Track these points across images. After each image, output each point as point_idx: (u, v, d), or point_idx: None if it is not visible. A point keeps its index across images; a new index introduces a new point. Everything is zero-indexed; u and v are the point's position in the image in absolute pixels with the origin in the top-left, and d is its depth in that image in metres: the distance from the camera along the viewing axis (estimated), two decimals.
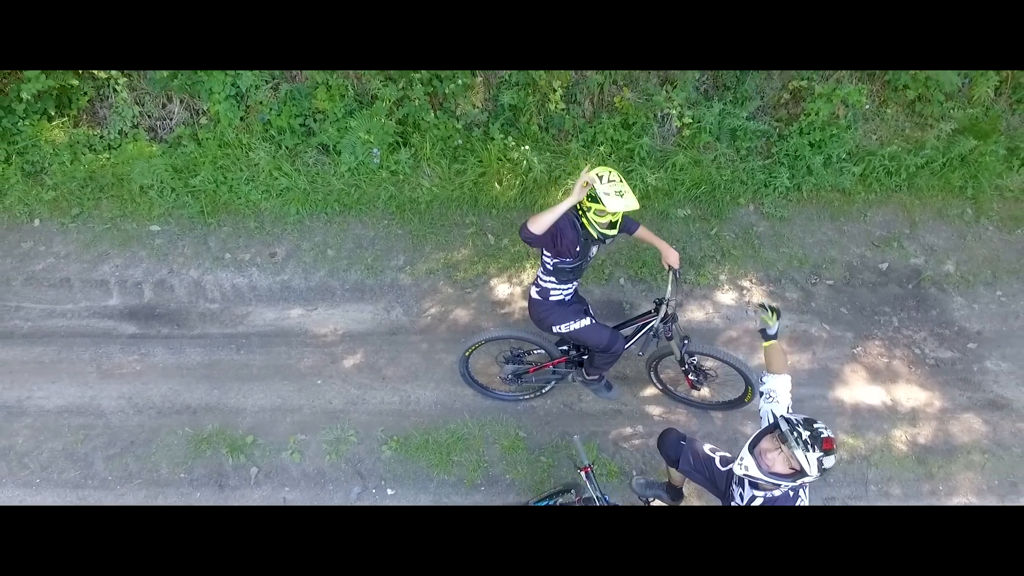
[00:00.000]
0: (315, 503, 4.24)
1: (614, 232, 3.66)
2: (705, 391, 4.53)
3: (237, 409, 4.62)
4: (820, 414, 4.68)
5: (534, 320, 4.07)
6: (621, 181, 3.47)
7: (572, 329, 3.98)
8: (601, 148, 5.72)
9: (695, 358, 4.24)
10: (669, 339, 4.11)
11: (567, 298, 3.96)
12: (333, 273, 5.35)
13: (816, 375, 4.88)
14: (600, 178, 3.42)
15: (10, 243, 5.43)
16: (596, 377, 4.55)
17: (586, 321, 3.99)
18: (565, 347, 4.34)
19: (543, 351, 4.34)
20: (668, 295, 3.97)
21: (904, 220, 5.76)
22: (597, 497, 3.34)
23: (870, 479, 4.44)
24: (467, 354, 4.36)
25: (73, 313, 5.09)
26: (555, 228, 3.49)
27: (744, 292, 5.32)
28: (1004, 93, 6.11)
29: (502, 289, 5.27)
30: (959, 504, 4.30)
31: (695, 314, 5.19)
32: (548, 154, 5.80)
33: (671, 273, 3.91)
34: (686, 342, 4.11)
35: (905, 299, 5.33)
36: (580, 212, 3.63)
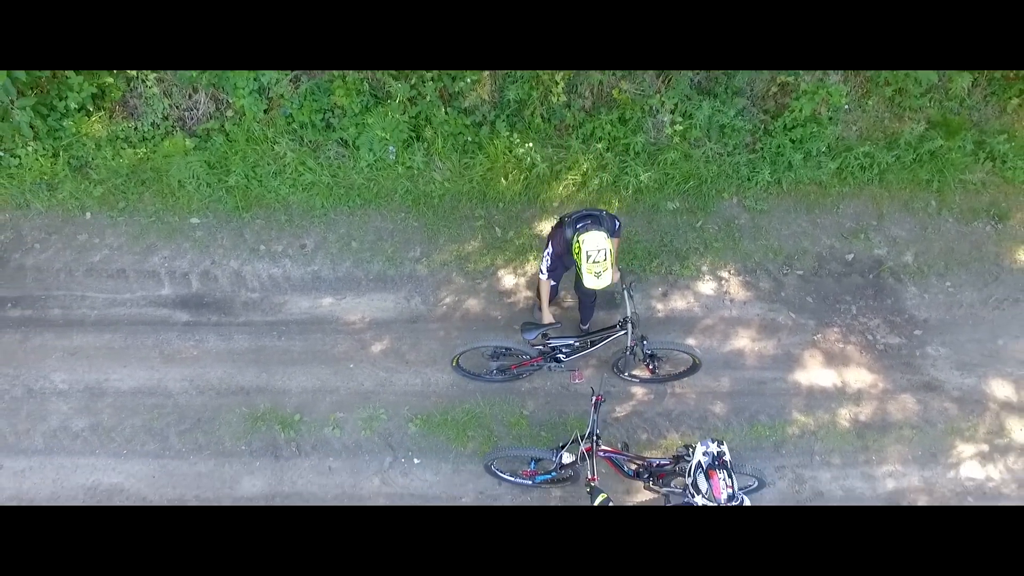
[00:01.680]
0: (354, 472, 5.15)
1: (596, 288, 4.51)
2: (665, 369, 5.32)
3: (283, 390, 5.44)
4: (778, 396, 5.51)
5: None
6: (605, 259, 4.27)
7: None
8: (599, 145, 6.21)
9: (651, 351, 4.96)
10: (635, 345, 4.87)
11: (553, 285, 5.02)
12: (358, 264, 6.02)
13: (779, 360, 5.67)
14: (588, 256, 4.28)
15: (67, 235, 6.05)
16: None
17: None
18: (540, 347, 5.06)
19: (521, 352, 5.10)
20: (630, 311, 4.76)
21: (873, 212, 6.34)
22: (593, 422, 4.32)
23: (816, 451, 5.33)
24: (454, 363, 5.24)
25: (132, 302, 5.81)
26: (553, 248, 4.63)
27: (723, 283, 6.01)
28: (980, 86, 6.51)
29: (508, 280, 5.95)
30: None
31: (677, 303, 5.90)
32: (550, 148, 6.30)
33: (625, 291, 4.75)
34: (644, 342, 4.87)
35: (865, 288, 6.03)
36: (575, 256, 4.48)
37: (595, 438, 4.34)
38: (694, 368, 5.23)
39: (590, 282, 4.38)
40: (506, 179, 6.20)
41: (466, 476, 5.16)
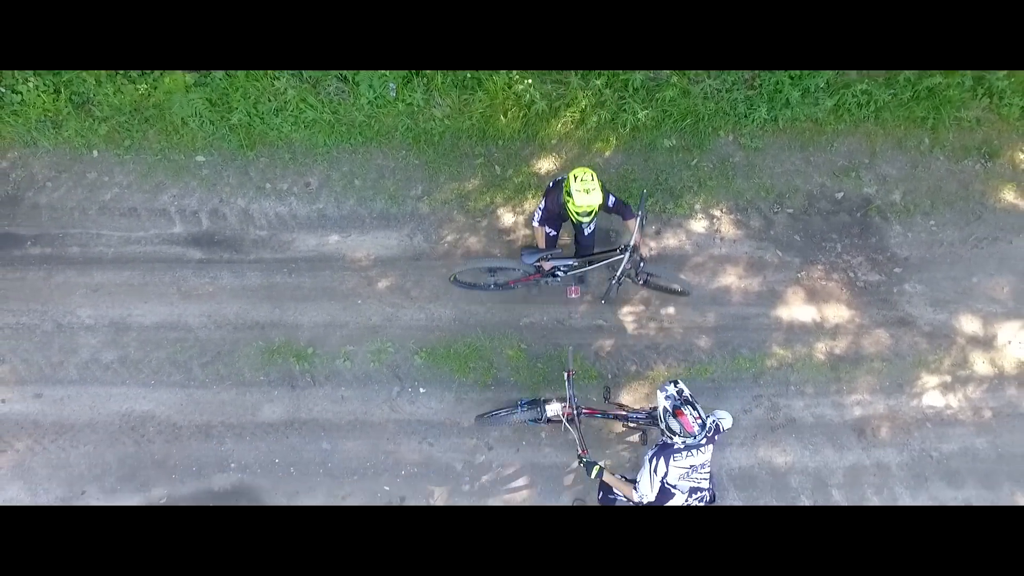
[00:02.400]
0: (365, 400, 5.61)
1: (588, 220, 4.85)
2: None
3: (296, 325, 5.80)
4: (760, 330, 5.88)
5: None
6: (593, 180, 4.55)
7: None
8: (598, 81, 6.23)
9: (646, 276, 5.42)
10: (637, 270, 5.23)
11: (551, 234, 5.34)
12: (361, 202, 6.21)
13: (763, 296, 5.99)
14: (576, 178, 4.57)
15: (77, 173, 6.21)
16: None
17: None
18: (537, 266, 5.33)
19: (519, 271, 5.46)
20: (635, 239, 5.05)
21: (866, 150, 6.44)
22: (571, 397, 4.68)
23: (791, 381, 5.76)
24: (452, 278, 5.57)
25: (146, 240, 6.06)
26: (546, 204, 4.89)
27: (714, 221, 6.22)
28: None
29: (507, 219, 6.16)
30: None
31: (669, 241, 6.15)
32: (549, 85, 6.32)
33: (639, 217, 5.00)
34: (642, 264, 5.22)
35: (851, 227, 6.25)
36: (566, 196, 4.73)
37: (576, 407, 4.69)
38: (681, 294, 5.66)
39: (581, 199, 4.68)
40: (505, 116, 6.27)
41: (468, 404, 5.62)
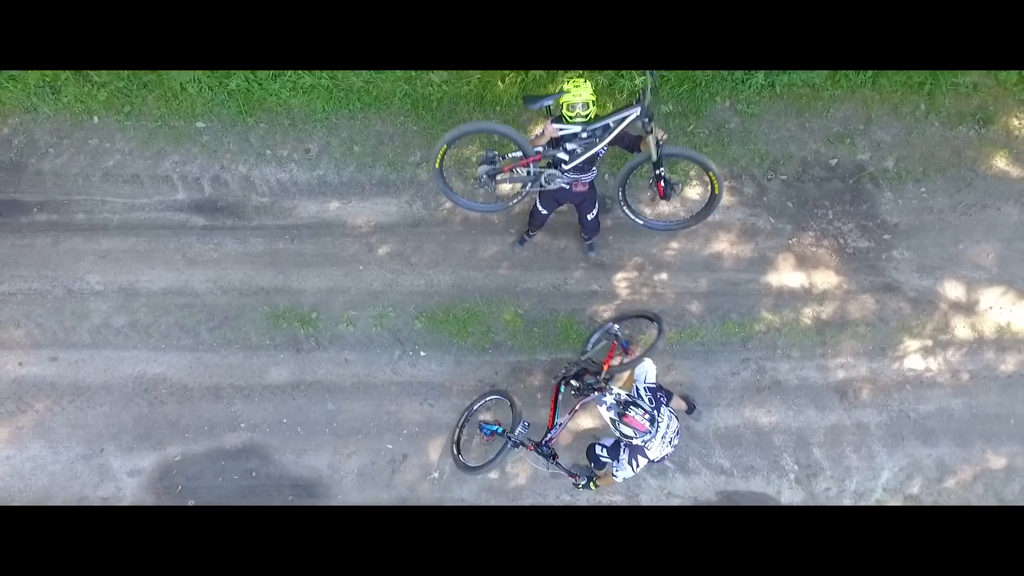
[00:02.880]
0: (368, 363, 5.83)
1: (585, 117, 4.71)
2: (671, 207, 5.68)
3: (299, 290, 5.98)
4: (750, 296, 6.06)
5: None
6: (584, 82, 4.64)
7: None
8: None
9: (663, 169, 4.84)
10: (649, 132, 4.66)
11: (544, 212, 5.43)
12: (361, 168, 6.29)
13: (754, 263, 6.14)
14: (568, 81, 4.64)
15: (78, 140, 6.26)
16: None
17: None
18: (540, 149, 4.89)
19: (519, 149, 4.85)
20: (647, 100, 4.58)
21: (862, 116, 6.48)
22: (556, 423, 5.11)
23: (778, 345, 5.98)
24: (440, 158, 4.85)
25: (150, 207, 6.17)
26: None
27: (708, 187, 6.30)
28: None
29: (504, 187, 6.24)
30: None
31: (664, 207, 6.23)
32: None
33: (649, 87, 4.58)
34: (660, 144, 4.72)
35: (844, 194, 6.35)
36: (559, 102, 4.75)
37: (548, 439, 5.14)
38: (712, 203, 5.04)
39: (575, 93, 4.64)
40: (503, 82, 6.28)
41: (467, 367, 5.85)
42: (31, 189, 6.15)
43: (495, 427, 5.31)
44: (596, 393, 4.93)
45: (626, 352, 5.42)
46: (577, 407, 5.27)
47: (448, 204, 6.21)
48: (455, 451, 5.40)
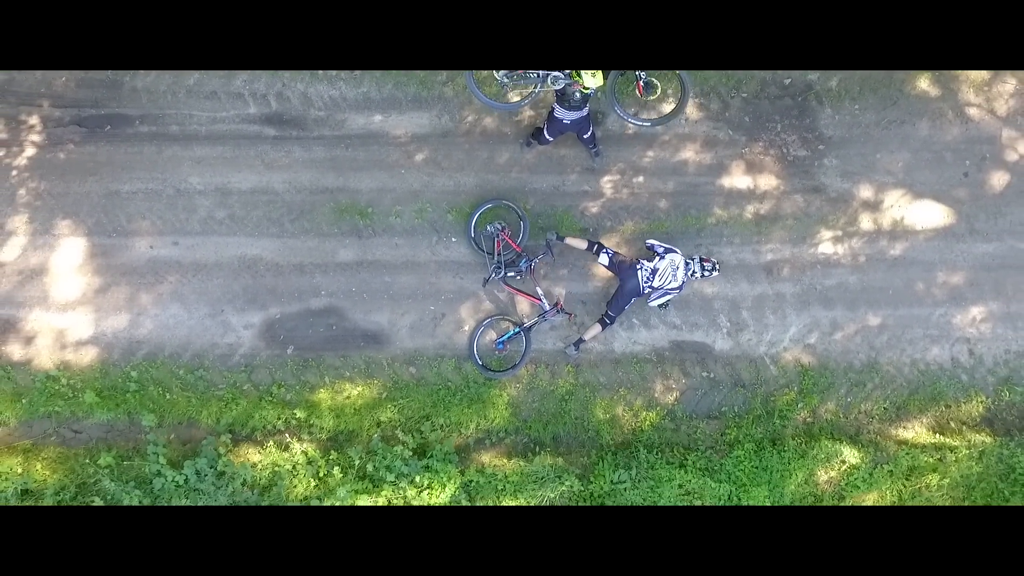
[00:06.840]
0: (413, 247, 7.69)
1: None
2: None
3: (356, 190, 7.67)
4: (706, 196, 7.79)
5: None
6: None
7: None
8: None
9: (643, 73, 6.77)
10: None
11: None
12: (398, 87, 7.65)
13: (712, 168, 7.78)
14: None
15: None
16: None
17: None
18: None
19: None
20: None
21: None
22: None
23: (724, 234, 7.82)
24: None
25: (229, 119, 7.63)
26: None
27: (678, 96, 7.74)
28: None
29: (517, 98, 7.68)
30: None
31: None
32: None
33: None
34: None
35: (792, 109, 7.81)
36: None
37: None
38: (680, 105, 6.99)
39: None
40: None
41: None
42: (131, 104, 7.56)
43: (507, 334, 7.34)
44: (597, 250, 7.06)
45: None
46: (531, 275, 7.23)
47: (470, 117, 7.68)
48: (479, 362, 7.45)
